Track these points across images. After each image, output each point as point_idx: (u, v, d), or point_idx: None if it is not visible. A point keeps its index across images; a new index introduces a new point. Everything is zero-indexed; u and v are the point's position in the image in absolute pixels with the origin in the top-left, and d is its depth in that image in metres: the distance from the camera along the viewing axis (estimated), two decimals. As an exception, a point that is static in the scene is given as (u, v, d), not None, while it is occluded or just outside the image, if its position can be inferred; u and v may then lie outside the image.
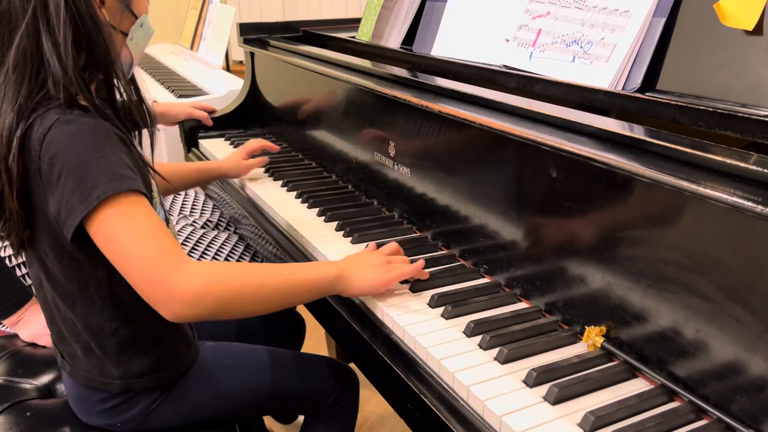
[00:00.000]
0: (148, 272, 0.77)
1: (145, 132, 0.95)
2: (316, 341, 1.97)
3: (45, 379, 1.15)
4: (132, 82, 0.93)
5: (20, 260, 1.33)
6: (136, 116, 0.91)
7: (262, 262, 1.52)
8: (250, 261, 1.52)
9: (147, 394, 0.97)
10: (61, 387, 1.14)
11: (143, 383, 0.95)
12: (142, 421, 0.98)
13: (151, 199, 0.85)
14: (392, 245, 1.00)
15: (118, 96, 0.89)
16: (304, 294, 0.90)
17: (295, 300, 0.91)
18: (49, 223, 0.82)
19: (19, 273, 1.31)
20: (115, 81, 0.87)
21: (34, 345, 1.23)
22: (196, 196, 1.73)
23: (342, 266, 0.92)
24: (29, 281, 1.32)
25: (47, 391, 1.14)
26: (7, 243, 1.32)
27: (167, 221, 1.05)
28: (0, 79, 0.80)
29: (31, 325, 1.22)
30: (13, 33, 0.79)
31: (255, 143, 1.48)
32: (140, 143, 0.95)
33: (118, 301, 0.89)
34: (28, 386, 1.12)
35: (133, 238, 0.77)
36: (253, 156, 1.48)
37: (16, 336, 1.24)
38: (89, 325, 0.91)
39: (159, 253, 0.77)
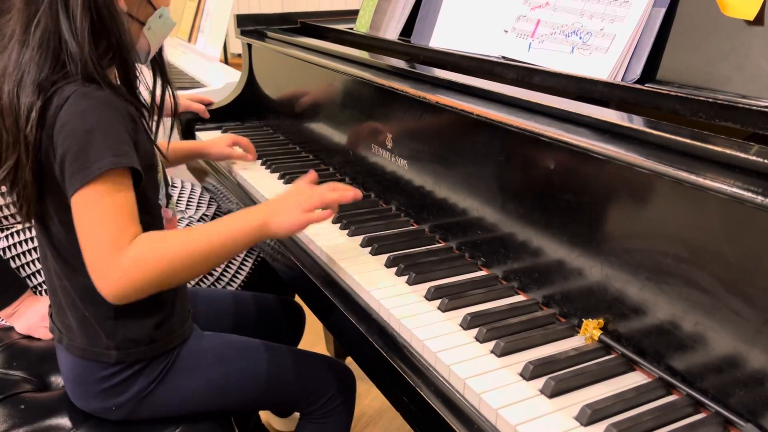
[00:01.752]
0: (94, 256, 0.83)
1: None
2: (314, 335, 1.96)
3: (40, 371, 1.14)
4: (161, 70, 1.00)
5: (15, 252, 1.32)
6: (156, 101, 0.99)
7: (258, 256, 1.52)
8: (246, 255, 1.52)
9: (143, 376, 0.97)
10: (56, 380, 1.14)
11: (139, 353, 0.96)
12: (136, 405, 0.98)
13: (155, 173, 0.95)
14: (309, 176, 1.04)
15: (140, 84, 0.95)
16: (236, 248, 0.92)
17: (229, 255, 0.94)
18: (59, 187, 0.86)
19: (14, 265, 1.31)
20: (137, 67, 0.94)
21: (29, 338, 1.22)
22: (192, 189, 1.72)
23: (266, 211, 0.94)
24: (24, 273, 1.32)
25: (42, 383, 1.13)
26: (1, 235, 1.32)
27: (169, 197, 1.09)
28: (27, 56, 0.85)
29: (26, 317, 1.21)
30: (38, 13, 0.85)
31: (244, 140, 1.50)
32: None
33: None
34: (22, 379, 1.12)
35: (97, 218, 0.83)
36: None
37: (11, 329, 1.24)
38: (88, 292, 0.91)
39: (111, 237, 0.82)
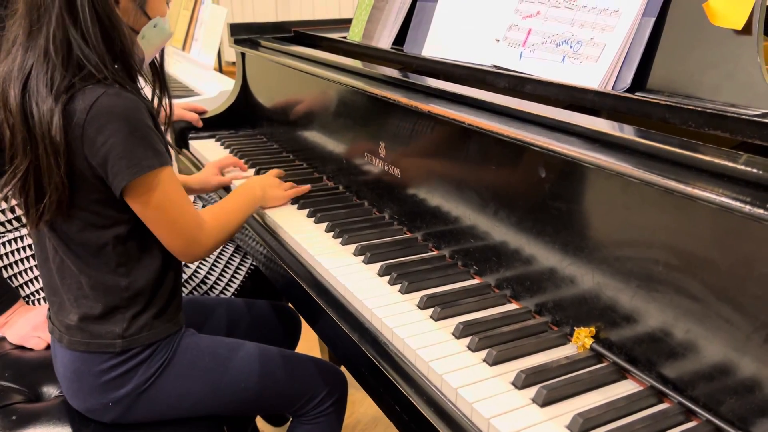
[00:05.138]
0: (187, 233, 0.98)
1: None
2: (310, 343, 1.96)
3: (32, 382, 1.14)
4: (160, 76, 1.04)
5: (8, 261, 1.31)
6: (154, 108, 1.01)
7: (252, 264, 1.52)
8: (239, 262, 1.51)
9: (142, 370, 1.00)
10: (48, 390, 1.13)
11: (143, 339, 0.99)
12: (133, 402, 1.00)
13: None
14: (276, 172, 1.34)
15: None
16: (249, 209, 1.18)
17: (248, 214, 1.17)
18: (87, 183, 0.91)
19: (6, 274, 1.30)
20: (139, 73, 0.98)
21: (21, 348, 1.21)
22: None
23: (260, 185, 1.23)
24: (17, 282, 1.31)
25: (34, 394, 1.13)
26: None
27: None
28: (30, 61, 0.88)
29: (18, 327, 1.21)
30: (41, 20, 0.87)
31: (228, 160, 1.49)
32: None
33: (128, 256, 0.98)
34: (14, 390, 1.11)
35: (177, 206, 0.96)
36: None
37: (3, 339, 1.23)
38: (101, 284, 0.97)
39: (194, 218, 0.99)
